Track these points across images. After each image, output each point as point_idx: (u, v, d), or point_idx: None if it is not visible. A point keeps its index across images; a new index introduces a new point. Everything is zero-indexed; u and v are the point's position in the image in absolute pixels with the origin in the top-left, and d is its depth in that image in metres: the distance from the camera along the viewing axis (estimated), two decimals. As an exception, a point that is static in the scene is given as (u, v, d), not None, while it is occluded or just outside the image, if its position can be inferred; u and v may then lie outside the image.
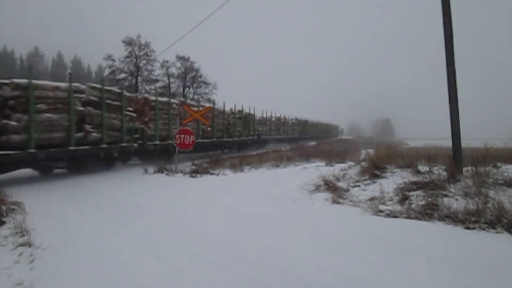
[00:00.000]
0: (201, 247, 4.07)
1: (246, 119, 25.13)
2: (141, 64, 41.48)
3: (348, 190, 6.85)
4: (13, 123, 8.57)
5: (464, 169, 6.53)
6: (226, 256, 3.77)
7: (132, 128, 13.34)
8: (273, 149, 22.63)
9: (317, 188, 7.26)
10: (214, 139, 19.44)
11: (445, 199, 5.30)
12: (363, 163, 8.73)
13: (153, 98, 15.52)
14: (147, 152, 14.43)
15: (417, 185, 6.08)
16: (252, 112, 26.21)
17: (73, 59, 74.61)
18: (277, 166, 12.12)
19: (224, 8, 13.01)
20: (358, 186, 7.10)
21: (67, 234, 4.66)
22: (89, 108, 10.89)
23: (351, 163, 10.15)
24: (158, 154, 14.74)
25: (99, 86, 11.64)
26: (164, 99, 17.36)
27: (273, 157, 14.28)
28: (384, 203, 5.67)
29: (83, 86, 11.02)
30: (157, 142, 14.82)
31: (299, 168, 11.04)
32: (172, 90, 43.62)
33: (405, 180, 6.38)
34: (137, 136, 13.65)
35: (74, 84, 10.47)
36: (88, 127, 10.75)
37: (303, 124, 40.69)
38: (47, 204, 6.71)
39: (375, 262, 3.53)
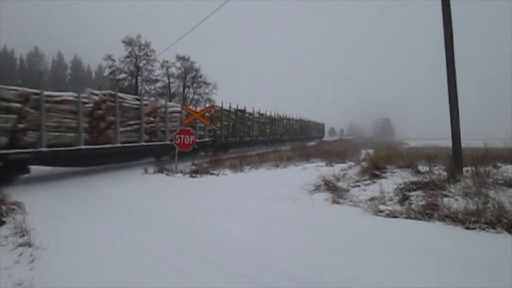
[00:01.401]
0: (201, 247, 4.07)
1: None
2: (141, 64, 41.43)
3: (348, 190, 6.85)
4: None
5: (464, 169, 6.53)
6: (226, 256, 3.77)
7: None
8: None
9: (317, 188, 7.26)
10: None
11: (445, 199, 5.30)
12: (363, 163, 8.73)
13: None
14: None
15: (417, 185, 6.08)
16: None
17: (73, 59, 74.60)
18: (277, 166, 12.12)
19: (225, 7, 13.01)
20: (358, 186, 7.09)
21: (67, 234, 4.66)
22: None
23: (351, 163, 10.14)
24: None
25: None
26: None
27: (273, 157, 14.29)
28: (384, 203, 5.67)
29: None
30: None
31: (299, 168, 11.03)
32: (172, 90, 43.61)
33: (405, 180, 6.38)
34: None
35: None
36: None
37: (240, 120, 22.31)
38: (47, 204, 6.71)
39: (375, 262, 3.54)
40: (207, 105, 24.57)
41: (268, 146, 27.20)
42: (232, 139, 20.91)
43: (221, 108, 19.99)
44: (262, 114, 26.93)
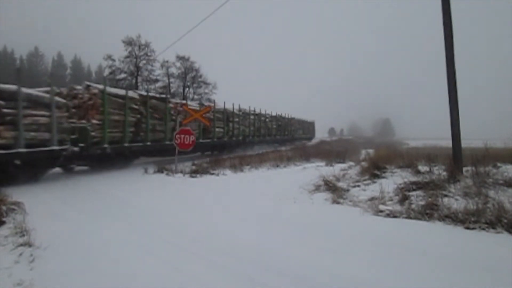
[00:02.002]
0: (201, 248, 4.07)
1: None
2: (141, 64, 41.44)
3: (348, 190, 6.85)
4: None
5: (464, 169, 6.52)
6: (226, 255, 3.77)
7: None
8: None
9: (317, 188, 7.26)
10: None
11: (445, 199, 5.30)
12: (363, 163, 8.72)
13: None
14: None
15: (417, 185, 6.08)
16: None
17: (73, 59, 74.54)
18: (277, 166, 12.13)
19: (225, 7, 13.00)
20: (358, 186, 7.09)
21: (67, 234, 4.66)
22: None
23: (351, 163, 10.15)
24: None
25: None
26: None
27: (273, 157, 14.29)
28: (384, 203, 5.67)
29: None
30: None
31: (299, 168, 11.04)
32: (172, 90, 43.60)
33: (405, 180, 6.37)
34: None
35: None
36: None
37: (158, 113, 14.75)
38: (47, 204, 6.71)
39: (375, 262, 3.53)
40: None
41: (221, 153, 19.61)
42: (135, 145, 12.84)
43: (102, 91, 11.34)
44: (204, 106, 18.23)
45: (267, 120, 28.44)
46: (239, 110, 23.25)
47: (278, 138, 30.64)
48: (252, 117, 25.04)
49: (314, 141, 40.18)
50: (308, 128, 45.52)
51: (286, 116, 34.32)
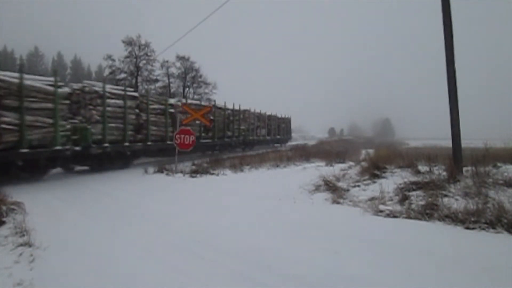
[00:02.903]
0: (202, 248, 4.07)
1: None
2: (141, 64, 41.35)
3: (348, 190, 6.85)
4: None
5: (464, 169, 6.52)
6: (226, 255, 3.77)
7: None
8: None
9: (317, 188, 7.26)
10: None
11: (445, 199, 5.30)
12: (363, 163, 8.72)
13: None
14: None
15: (417, 185, 6.07)
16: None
17: (73, 59, 74.58)
18: (277, 166, 12.13)
19: (225, 8, 12.99)
20: (358, 186, 7.09)
21: (67, 234, 4.66)
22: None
23: (351, 163, 10.15)
24: None
25: None
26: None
27: (273, 157, 14.30)
28: (384, 203, 5.67)
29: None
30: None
31: (299, 168, 11.04)
32: (172, 90, 43.57)
33: (405, 180, 6.37)
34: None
35: None
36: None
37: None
38: (47, 204, 6.71)
39: (375, 262, 3.53)
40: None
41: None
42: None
43: None
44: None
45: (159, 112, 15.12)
46: (83, 89, 11.35)
47: (209, 142, 18.98)
48: (120, 101, 12.36)
49: (313, 142, 38.92)
50: (278, 126, 32.19)
51: (234, 107, 22.08)
